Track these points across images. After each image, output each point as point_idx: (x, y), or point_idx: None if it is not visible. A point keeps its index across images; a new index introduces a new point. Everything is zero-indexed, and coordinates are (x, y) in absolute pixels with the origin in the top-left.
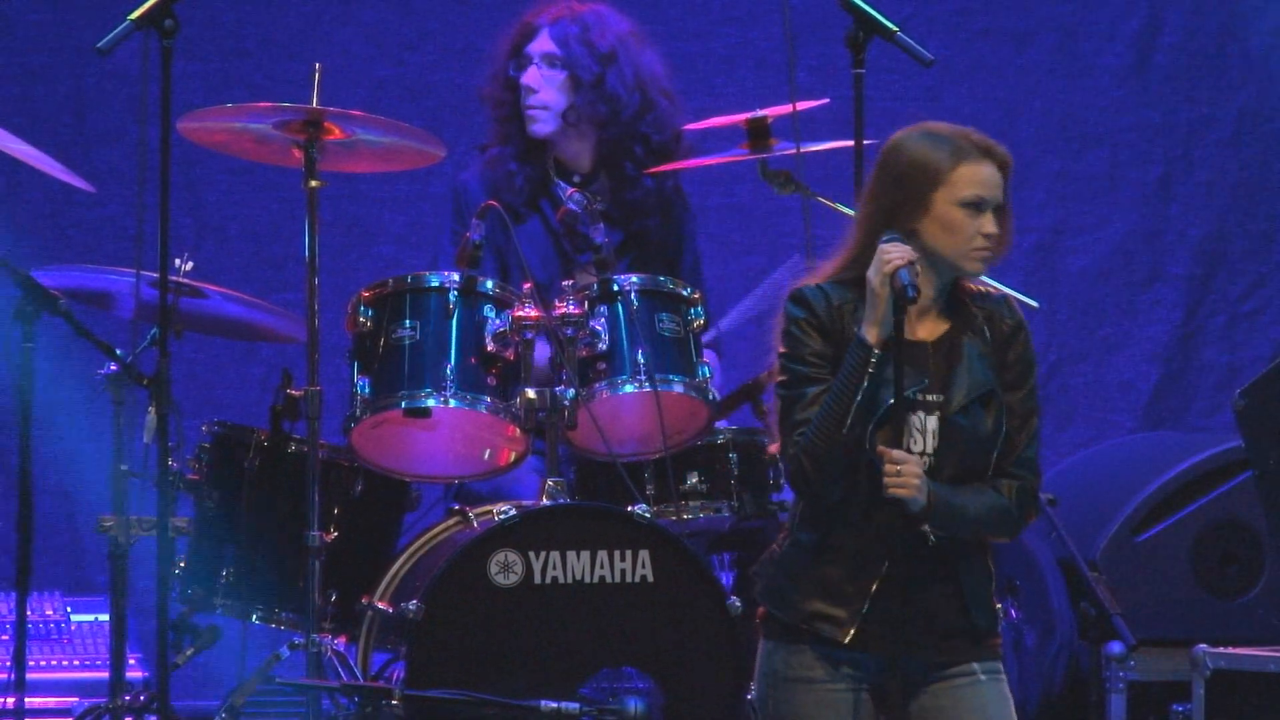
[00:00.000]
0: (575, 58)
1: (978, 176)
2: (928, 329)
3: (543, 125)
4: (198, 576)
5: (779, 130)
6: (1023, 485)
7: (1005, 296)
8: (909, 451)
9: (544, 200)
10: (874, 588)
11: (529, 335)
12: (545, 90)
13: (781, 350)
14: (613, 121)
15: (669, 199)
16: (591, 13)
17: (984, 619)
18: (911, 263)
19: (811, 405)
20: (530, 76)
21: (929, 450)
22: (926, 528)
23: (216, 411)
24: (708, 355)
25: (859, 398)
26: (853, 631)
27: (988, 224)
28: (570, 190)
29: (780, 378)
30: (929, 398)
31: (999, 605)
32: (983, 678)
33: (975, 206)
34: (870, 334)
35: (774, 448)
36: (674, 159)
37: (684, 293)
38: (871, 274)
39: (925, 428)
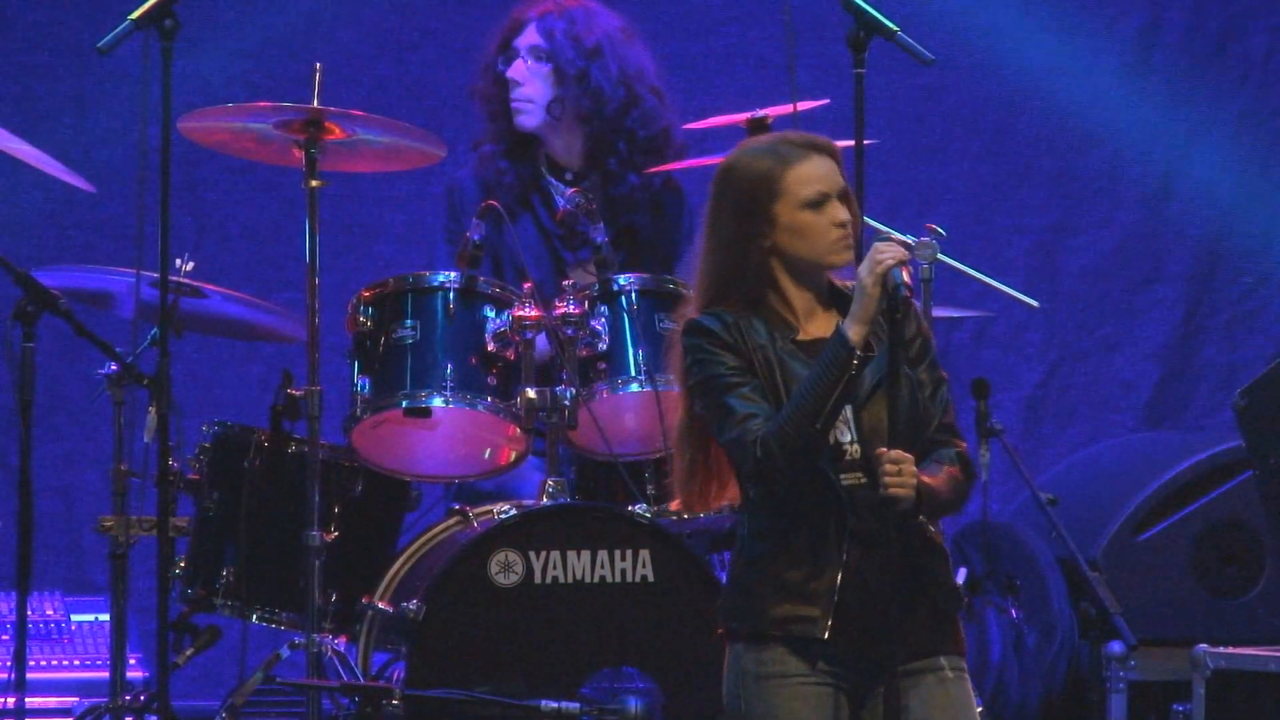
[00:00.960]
0: (560, 51)
1: (810, 174)
2: (820, 327)
3: (528, 118)
4: (198, 576)
5: (779, 130)
6: (959, 451)
7: None
8: (838, 445)
9: (535, 197)
10: (839, 580)
11: (529, 335)
12: (530, 83)
13: (695, 376)
14: (596, 116)
15: (660, 197)
16: (580, 8)
17: (946, 600)
18: (903, 262)
19: (753, 400)
20: (516, 70)
21: (856, 440)
22: (922, 519)
23: (216, 411)
24: None
25: (837, 393)
26: (830, 624)
27: (837, 213)
28: (569, 191)
29: (702, 398)
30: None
31: (961, 589)
32: (950, 674)
33: (818, 204)
34: (854, 332)
35: (675, 504)
36: (664, 156)
37: (685, 292)
38: (863, 272)
39: (847, 420)
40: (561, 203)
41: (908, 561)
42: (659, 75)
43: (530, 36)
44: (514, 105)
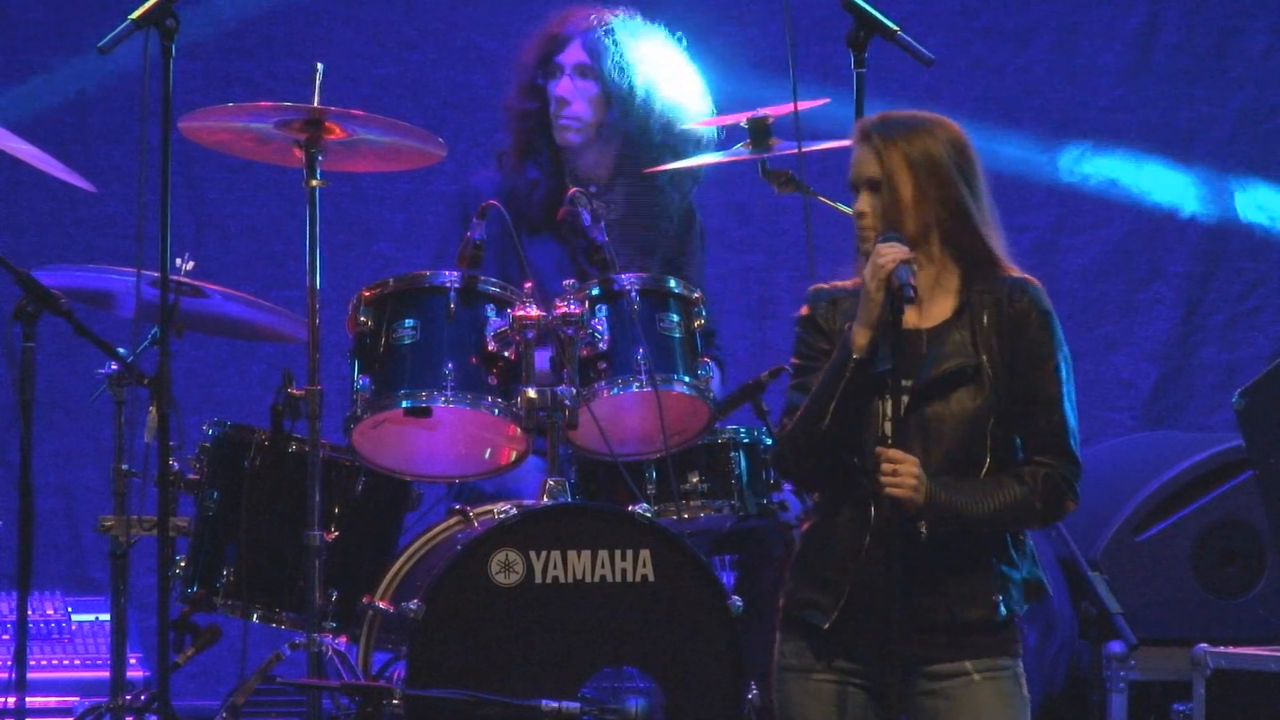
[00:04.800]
0: (606, 70)
1: (852, 162)
2: (918, 316)
3: (575, 136)
4: (198, 576)
5: (779, 130)
6: (1050, 473)
7: (1023, 280)
8: (883, 439)
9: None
10: (856, 570)
11: (530, 335)
12: (578, 102)
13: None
14: (642, 134)
15: (688, 216)
16: (620, 21)
17: (975, 613)
18: (908, 261)
19: (801, 391)
20: (563, 88)
21: (891, 434)
22: (921, 525)
23: (216, 410)
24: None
25: (838, 396)
26: (835, 615)
27: (855, 203)
28: (570, 191)
29: None
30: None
31: (998, 599)
32: (976, 677)
33: (853, 191)
34: (859, 335)
35: None
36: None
37: (685, 292)
38: (866, 275)
39: (887, 413)
40: (586, 216)
41: (942, 570)
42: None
43: (575, 54)
44: (562, 123)
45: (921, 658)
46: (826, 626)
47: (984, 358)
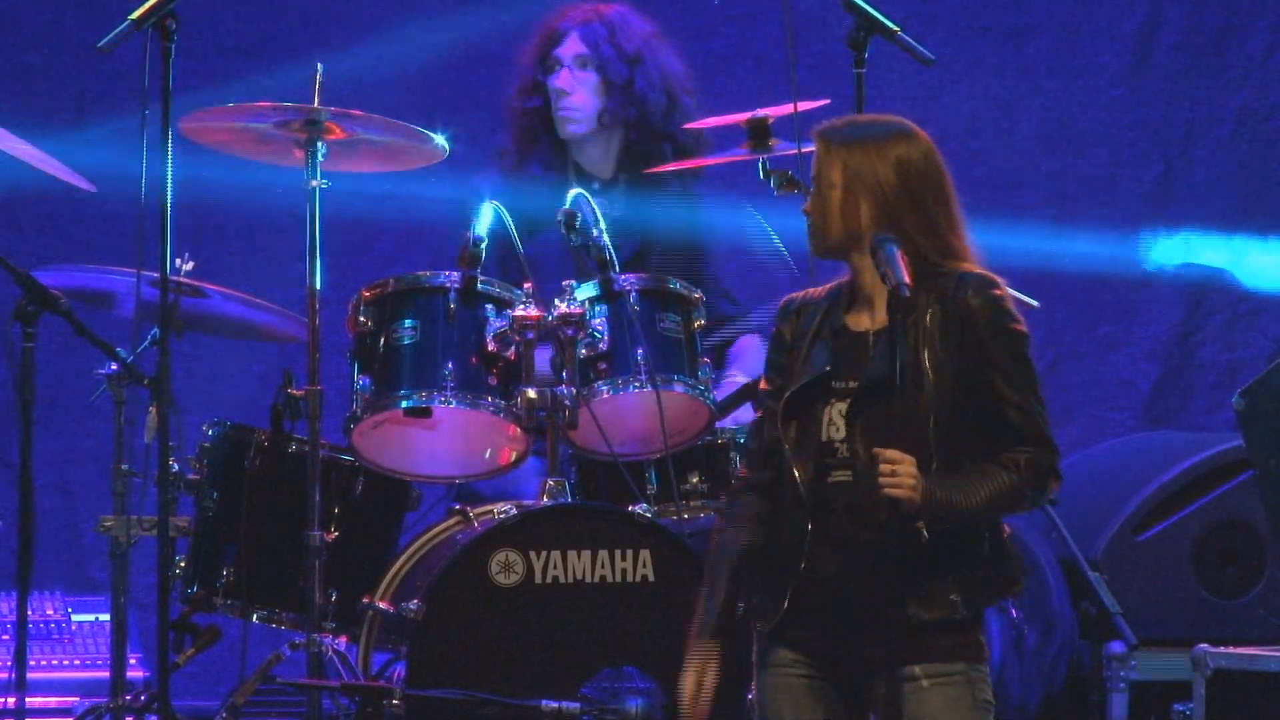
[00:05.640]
0: (605, 60)
1: None
2: (869, 320)
3: (577, 126)
4: (198, 576)
5: (779, 130)
6: (1030, 458)
7: (971, 274)
8: (829, 443)
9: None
10: (800, 567)
11: (529, 335)
12: (578, 92)
13: None
14: (641, 123)
15: (694, 212)
16: (616, 13)
17: (934, 612)
18: (905, 257)
19: (765, 420)
20: (562, 80)
21: (842, 437)
22: (920, 525)
23: (216, 410)
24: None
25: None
26: (777, 619)
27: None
28: (572, 191)
29: None
30: (835, 384)
31: (955, 598)
32: (925, 684)
33: None
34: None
35: None
36: (698, 156)
37: (685, 293)
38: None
39: (831, 417)
40: (585, 215)
41: (885, 567)
42: (689, 76)
43: (573, 46)
44: (563, 114)
45: (877, 659)
46: (767, 631)
47: (925, 356)
